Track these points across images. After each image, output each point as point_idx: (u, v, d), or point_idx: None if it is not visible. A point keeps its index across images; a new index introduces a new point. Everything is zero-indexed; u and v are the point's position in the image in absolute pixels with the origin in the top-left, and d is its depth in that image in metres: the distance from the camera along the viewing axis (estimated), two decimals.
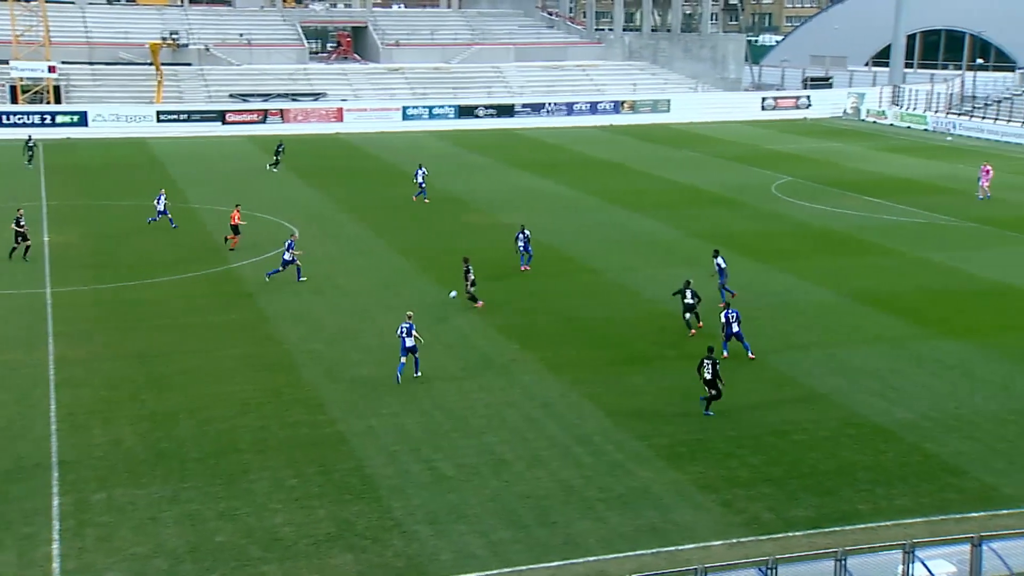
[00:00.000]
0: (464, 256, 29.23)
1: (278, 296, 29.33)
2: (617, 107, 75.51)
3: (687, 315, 26.25)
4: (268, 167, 51.00)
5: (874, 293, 29.92)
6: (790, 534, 16.44)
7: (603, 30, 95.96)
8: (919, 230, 38.70)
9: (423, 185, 43.56)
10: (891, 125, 74.02)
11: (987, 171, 46.24)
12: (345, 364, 24.08)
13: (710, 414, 21.06)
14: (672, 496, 17.72)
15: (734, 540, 16.24)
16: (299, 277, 30.73)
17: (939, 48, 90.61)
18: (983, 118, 69.96)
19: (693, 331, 26.19)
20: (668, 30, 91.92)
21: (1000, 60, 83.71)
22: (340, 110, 69.94)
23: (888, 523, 16.75)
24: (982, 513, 17.05)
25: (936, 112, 73.84)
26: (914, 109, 75.19)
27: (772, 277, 31.81)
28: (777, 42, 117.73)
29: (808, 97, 79.74)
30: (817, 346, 25.24)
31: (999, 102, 72.41)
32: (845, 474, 18.46)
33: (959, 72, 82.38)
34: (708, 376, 21.06)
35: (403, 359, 22.92)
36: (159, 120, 66.68)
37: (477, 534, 16.53)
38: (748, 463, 18.98)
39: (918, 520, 16.84)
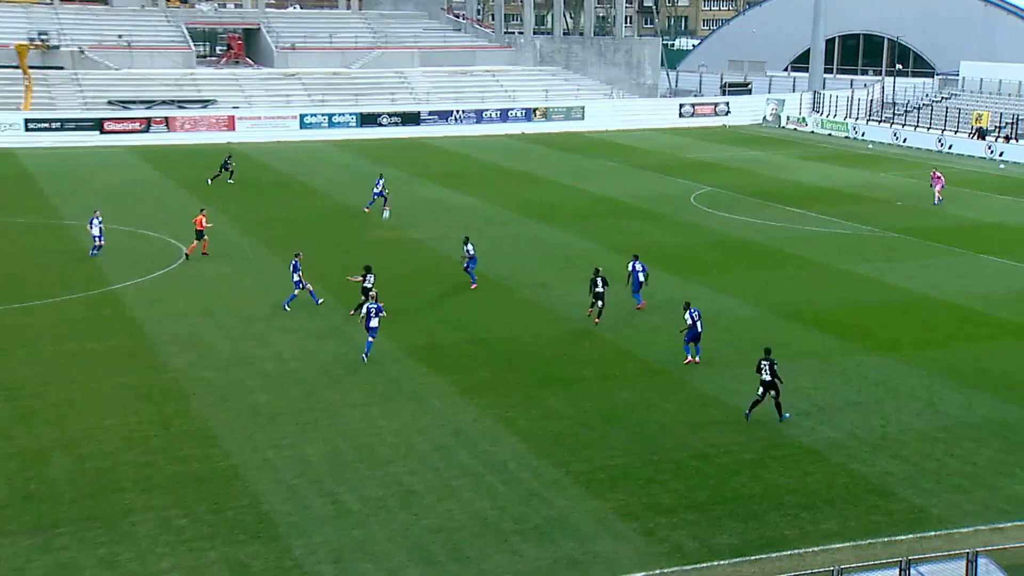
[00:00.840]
0: (366, 265, 28.98)
1: (164, 320, 28.62)
2: (529, 114, 76.22)
3: (597, 303, 28.61)
4: (209, 180, 50.70)
5: (797, 307, 30.78)
6: (714, 563, 16.69)
7: (513, 33, 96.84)
8: (842, 241, 40.00)
9: (384, 196, 43.63)
10: (812, 132, 76.51)
11: (938, 177, 48.35)
12: (239, 392, 23.61)
13: (748, 416, 22.05)
14: (592, 525, 17.83)
15: (656, 571, 16.42)
16: (315, 300, 29.96)
17: (858, 53, 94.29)
18: (903, 125, 72.91)
19: (592, 315, 28.90)
20: (581, 33, 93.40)
21: (919, 66, 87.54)
22: (231, 118, 68.84)
23: (815, 548, 17.14)
24: (910, 536, 17.53)
25: (857, 119, 76.67)
26: (834, 116, 77.91)
27: (693, 292, 32.43)
28: (694, 46, 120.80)
29: (727, 104, 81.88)
30: (740, 364, 25.79)
31: (919, 108, 75.60)
32: (771, 498, 18.87)
33: (879, 78, 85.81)
34: (766, 377, 21.91)
35: (371, 339, 25.42)
36: (28, 129, 64.56)
37: (385, 572, 16.34)
38: (671, 489, 19.25)
39: (845, 545, 17.28)
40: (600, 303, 28.62)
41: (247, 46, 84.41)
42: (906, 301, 31.60)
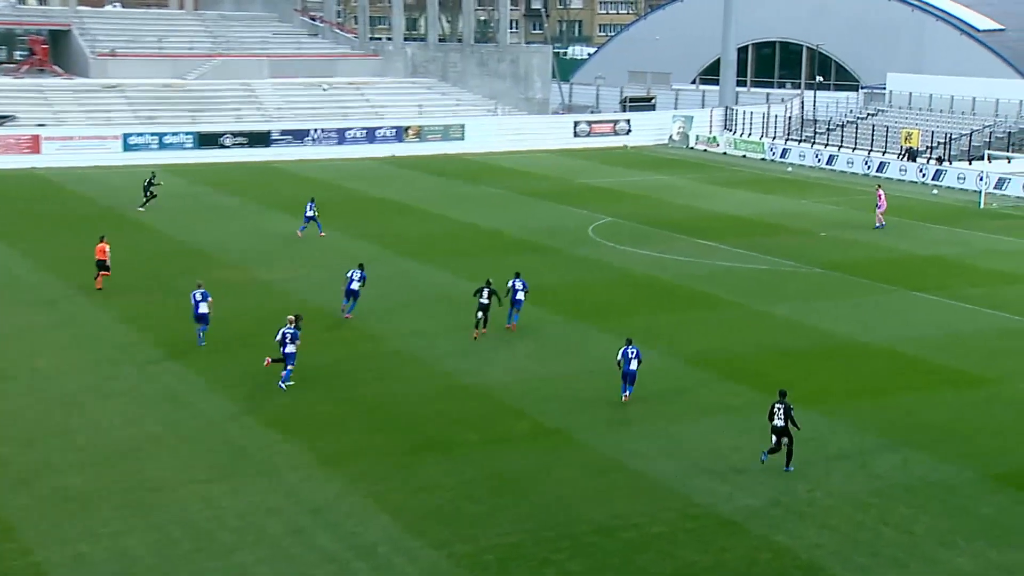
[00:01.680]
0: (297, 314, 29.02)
1: None
2: (400, 134, 76.52)
3: (479, 314, 31.75)
4: (139, 208, 51.94)
5: (710, 354, 31.53)
6: None
7: (380, 40, 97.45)
8: (759, 278, 41.24)
9: (315, 219, 46.76)
10: (724, 154, 78.95)
11: (880, 195, 50.76)
12: (45, 472, 22.83)
13: (764, 459, 23.59)
14: None
15: None
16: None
17: (774, 63, 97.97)
18: (826, 144, 75.96)
19: (476, 334, 31.68)
20: (459, 40, 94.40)
21: (842, 77, 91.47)
22: (36, 138, 66.98)
23: None
24: None
25: (774, 138, 79.52)
26: (749, 135, 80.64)
27: (591, 338, 32.89)
28: (589, 55, 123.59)
29: (628, 121, 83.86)
30: (646, 420, 26.24)
31: (842, 126, 78.92)
32: None
33: (797, 91, 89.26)
34: (779, 423, 23.33)
35: (290, 366, 27.76)
36: None
37: None
38: (568, 570, 19.38)
39: None
40: (483, 315, 31.86)
41: (54, 51, 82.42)
42: (832, 346, 32.72)
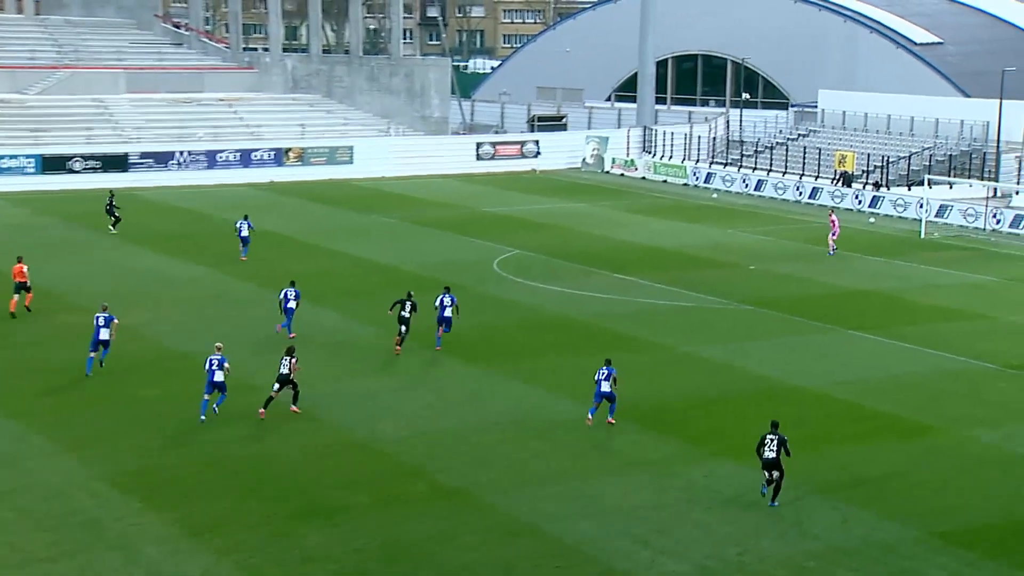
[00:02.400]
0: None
1: None
2: (279, 157, 76.16)
3: (401, 328, 35.16)
4: (116, 231, 55.30)
5: (630, 402, 31.73)
6: None
7: (255, 50, 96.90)
8: (684, 316, 41.78)
9: (244, 238, 50.08)
10: (643, 178, 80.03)
11: (833, 222, 53.04)
12: None
13: (775, 504, 24.92)
14: None
15: None
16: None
17: (696, 78, 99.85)
18: (754, 168, 77.54)
19: (399, 350, 35.07)
20: (347, 51, 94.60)
21: (770, 94, 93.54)
22: None
23: None
24: None
25: (697, 161, 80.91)
26: (670, 158, 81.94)
27: (497, 386, 32.97)
28: (493, 69, 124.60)
29: (536, 143, 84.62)
30: (560, 478, 26.33)
31: (771, 148, 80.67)
32: None
33: (722, 110, 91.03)
34: (770, 455, 24.77)
35: (206, 396, 29.27)
36: None
37: None
38: None
39: None
40: (405, 329, 35.18)
41: None
42: (763, 391, 33.25)
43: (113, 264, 48.44)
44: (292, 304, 37.15)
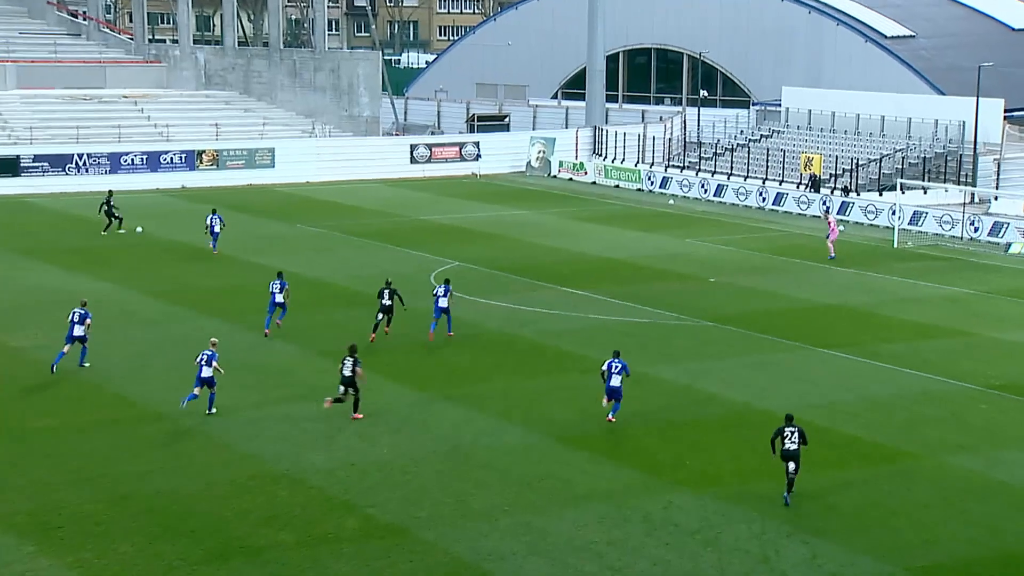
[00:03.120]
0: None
1: None
2: (191, 160, 75.68)
3: (379, 315, 38.67)
4: (124, 230, 58.07)
5: (582, 428, 31.80)
6: None
7: (163, 42, 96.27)
8: (639, 333, 41.89)
9: (216, 233, 53.85)
10: (593, 183, 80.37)
11: (830, 223, 54.76)
12: None
13: (788, 501, 26.92)
14: None
15: None
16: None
17: (651, 74, 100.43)
18: (713, 172, 78.08)
19: (373, 337, 38.16)
20: (266, 44, 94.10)
21: (730, 92, 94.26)
22: None
23: None
24: None
25: (652, 164, 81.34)
26: (622, 161, 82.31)
27: (434, 411, 32.81)
28: (428, 64, 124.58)
29: (477, 144, 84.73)
30: (504, 512, 26.27)
31: (732, 150, 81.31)
32: None
33: (679, 108, 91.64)
34: (790, 446, 26.82)
35: (196, 390, 31.47)
36: None
37: None
38: None
39: None
40: (384, 317, 38.85)
41: None
42: (726, 415, 33.41)
43: (2, 278, 47.83)
44: (280, 298, 39.85)
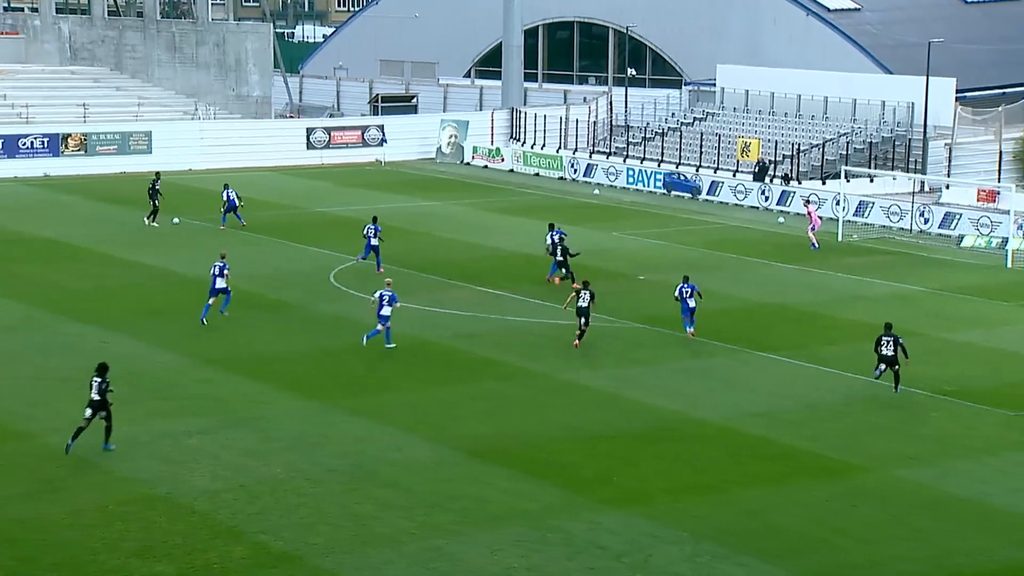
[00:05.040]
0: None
1: None
2: (55, 145, 74.78)
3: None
4: (146, 220, 59.13)
5: (499, 442, 31.87)
6: None
7: (21, 10, 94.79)
8: (563, 337, 41.96)
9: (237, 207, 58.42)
10: (511, 171, 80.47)
11: (810, 213, 56.42)
12: None
13: (898, 391, 35.58)
14: None
15: None
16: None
17: (573, 51, 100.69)
18: (642, 159, 78.48)
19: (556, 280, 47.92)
20: (140, 14, 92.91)
21: (661, 70, 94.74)
22: None
23: None
24: None
25: (575, 150, 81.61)
26: (543, 146, 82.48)
27: (336, 425, 32.79)
28: (325, 38, 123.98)
29: (381, 128, 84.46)
30: (414, 536, 26.24)
31: (663, 134, 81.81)
32: None
33: (604, 88, 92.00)
34: (887, 352, 35.44)
35: (379, 327, 38.87)
36: None
37: None
38: None
39: None
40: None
41: None
42: (658, 426, 33.62)
43: None
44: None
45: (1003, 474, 30.64)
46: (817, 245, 57.16)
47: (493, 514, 27.53)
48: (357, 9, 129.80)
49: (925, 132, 73.44)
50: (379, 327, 39.01)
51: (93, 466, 29.64)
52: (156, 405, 34.14)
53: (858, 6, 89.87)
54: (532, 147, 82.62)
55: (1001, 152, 71.23)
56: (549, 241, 49.26)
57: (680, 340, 41.84)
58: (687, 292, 40.97)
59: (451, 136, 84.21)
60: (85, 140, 75.43)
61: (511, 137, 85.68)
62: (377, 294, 39.17)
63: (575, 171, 78.24)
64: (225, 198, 58.38)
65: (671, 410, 34.92)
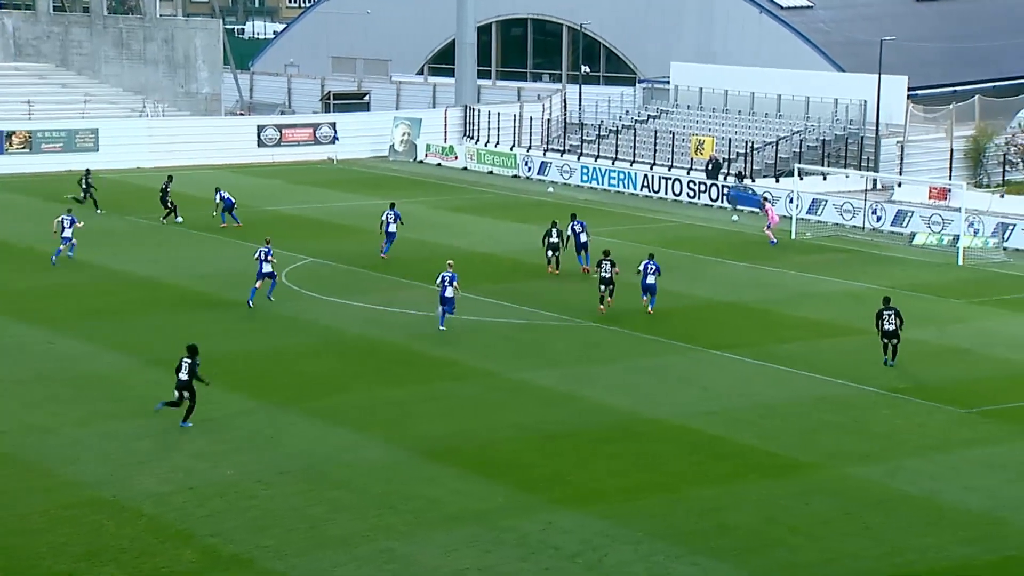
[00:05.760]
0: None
1: None
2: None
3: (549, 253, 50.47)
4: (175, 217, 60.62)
5: (452, 442, 31.87)
6: None
7: None
8: (516, 336, 42.13)
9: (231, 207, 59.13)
10: (464, 169, 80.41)
11: (768, 211, 57.50)
12: None
13: (894, 363, 38.63)
14: None
15: None
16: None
17: (527, 48, 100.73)
18: (596, 157, 78.66)
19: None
20: (86, 9, 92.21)
21: (615, 68, 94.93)
22: None
23: None
24: None
25: (529, 148, 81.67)
26: (496, 144, 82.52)
27: (286, 426, 32.75)
28: (276, 34, 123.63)
29: (333, 125, 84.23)
30: (366, 538, 26.24)
31: (617, 131, 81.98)
32: None
33: (558, 86, 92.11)
34: (889, 327, 38.41)
35: (441, 308, 41.43)
36: None
37: None
38: None
39: None
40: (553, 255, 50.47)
41: None
42: (611, 425, 33.71)
43: None
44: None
45: (954, 471, 30.92)
46: (775, 241, 57.65)
47: (446, 515, 27.56)
48: (309, 5, 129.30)
49: (877, 130, 73.89)
50: (441, 309, 41.35)
51: (38, 470, 29.46)
52: (103, 407, 33.96)
53: (811, 4, 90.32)
54: (486, 145, 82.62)
55: (952, 150, 71.92)
56: (570, 232, 51.21)
57: (635, 339, 42.01)
58: (651, 268, 43.73)
59: (404, 134, 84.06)
60: (30, 137, 74.82)
61: (465, 135, 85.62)
62: (440, 276, 41.56)
63: (529, 169, 78.29)
64: (219, 199, 59.17)
65: (625, 409, 35.03)
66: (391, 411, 34.24)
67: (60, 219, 49.19)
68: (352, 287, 48.01)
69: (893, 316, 38.52)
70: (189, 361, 31.85)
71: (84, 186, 62.87)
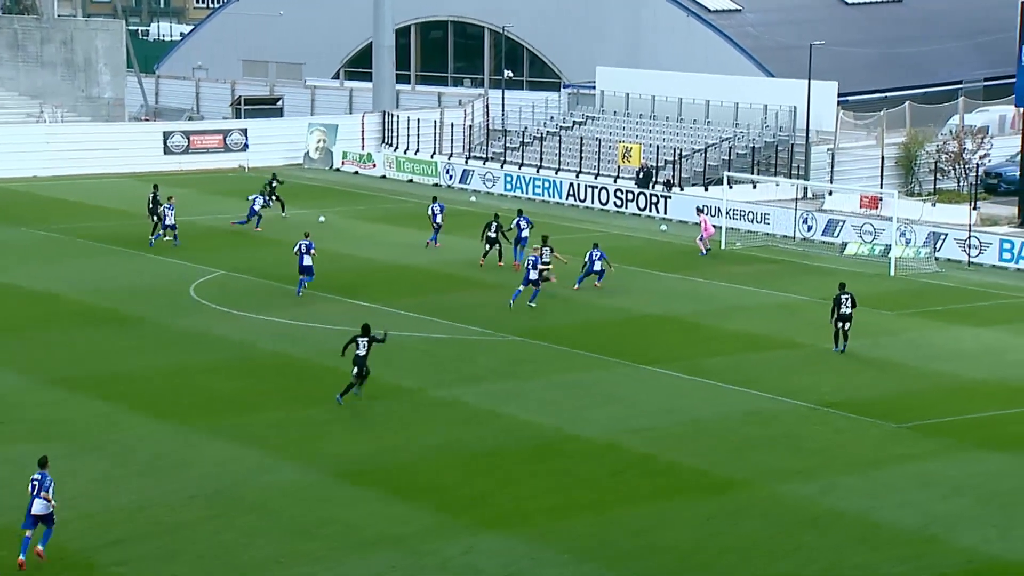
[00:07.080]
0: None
1: None
2: None
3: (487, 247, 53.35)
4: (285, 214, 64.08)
5: (369, 463, 31.80)
6: None
7: None
8: (437, 351, 42.07)
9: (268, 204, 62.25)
10: (383, 177, 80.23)
11: (703, 221, 59.00)
12: None
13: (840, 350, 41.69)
14: None
15: None
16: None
17: (447, 51, 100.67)
18: (520, 164, 78.71)
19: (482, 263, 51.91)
20: None
21: (539, 72, 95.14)
22: None
23: None
24: None
25: (450, 156, 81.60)
26: (416, 151, 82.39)
27: (195, 447, 32.54)
28: (183, 36, 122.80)
29: (244, 131, 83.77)
30: (281, 564, 26.10)
31: (542, 138, 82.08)
32: None
33: (480, 91, 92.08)
34: (847, 311, 41.32)
35: (521, 287, 46.20)
36: None
37: None
38: None
39: None
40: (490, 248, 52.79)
41: None
42: (536, 444, 33.73)
43: None
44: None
45: (888, 488, 31.17)
46: (705, 252, 58.29)
47: (365, 539, 27.45)
48: (217, 6, 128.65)
49: (808, 137, 74.39)
50: (521, 288, 46.42)
51: None
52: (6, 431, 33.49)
53: (739, 7, 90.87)
54: (405, 152, 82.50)
55: (883, 157, 72.56)
56: (513, 226, 54.65)
57: (561, 354, 42.01)
58: (596, 256, 49.41)
59: (319, 141, 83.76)
60: None
61: (383, 142, 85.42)
62: (531, 258, 46.69)
63: (451, 177, 78.20)
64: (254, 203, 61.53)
65: (550, 427, 35.04)
66: (305, 430, 34.05)
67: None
68: (263, 300, 47.73)
69: (849, 300, 41.45)
70: (366, 340, 35.32)
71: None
